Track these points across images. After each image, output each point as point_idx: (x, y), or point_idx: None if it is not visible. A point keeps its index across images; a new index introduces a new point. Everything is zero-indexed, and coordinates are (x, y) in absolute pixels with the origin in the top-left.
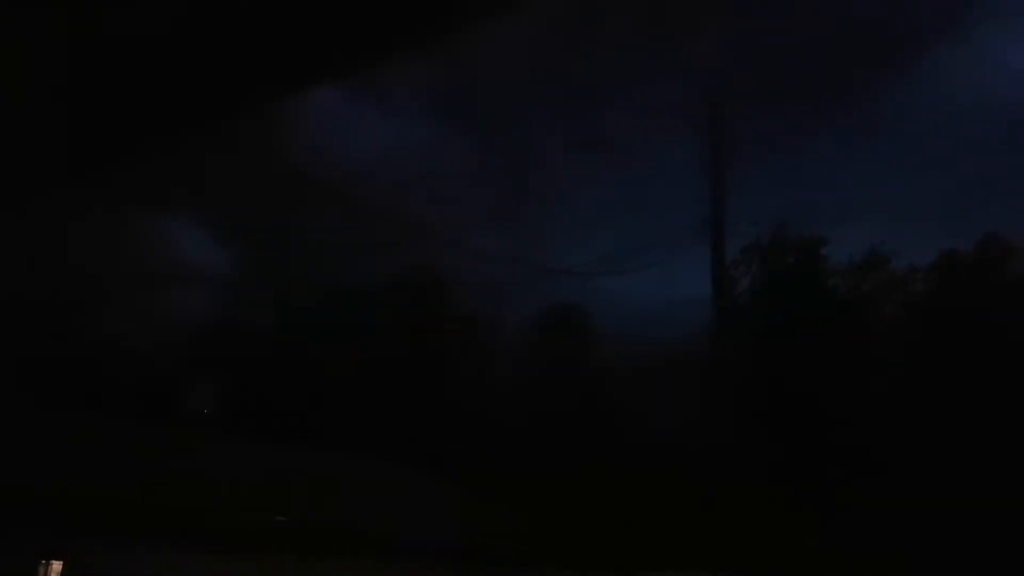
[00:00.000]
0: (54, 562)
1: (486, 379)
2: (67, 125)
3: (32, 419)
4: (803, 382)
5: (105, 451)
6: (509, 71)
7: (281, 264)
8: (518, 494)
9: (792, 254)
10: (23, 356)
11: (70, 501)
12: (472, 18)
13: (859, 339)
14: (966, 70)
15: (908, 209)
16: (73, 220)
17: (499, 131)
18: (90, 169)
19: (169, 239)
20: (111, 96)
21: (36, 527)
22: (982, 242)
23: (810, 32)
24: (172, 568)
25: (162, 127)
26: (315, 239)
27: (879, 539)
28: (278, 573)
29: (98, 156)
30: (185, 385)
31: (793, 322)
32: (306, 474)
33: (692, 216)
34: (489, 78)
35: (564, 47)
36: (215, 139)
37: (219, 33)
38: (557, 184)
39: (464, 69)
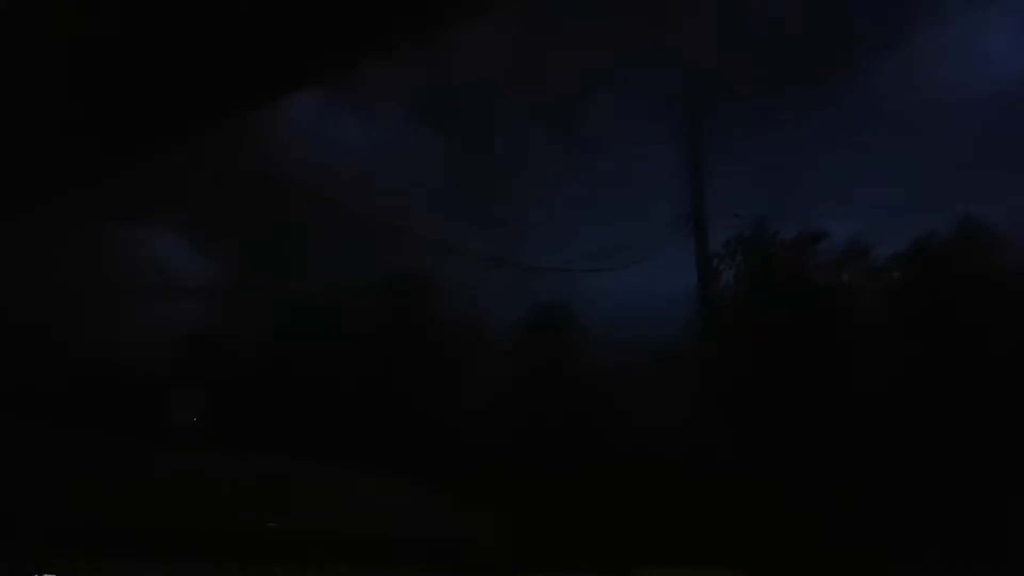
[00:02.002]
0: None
1: (474, 382)
2: (52, 133)
3: (27, 432)
4: (793, 377)
5: (97, 462)
6: (493, 68)
7: (268, 271)
8: (510, 497)
9: (776, 248)
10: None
11: (62, 513)
12: (452, 17)
13: (846, 331)
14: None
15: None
16: (55, 229)
17: (482, 129)
18: (73, 178)
19: (151, 247)
20: (98, 103)
21: (29, 540)
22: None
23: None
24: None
25: (144, 135)
26: (301, 245)
27: (874, 536)
28: None
29: (83, 164)
30: (173, 395)
31: (778, 316)
32: (299, 482)
33: (674, 210)
34: (473, 76)
35: (545, 42)
36: (199, 145)
37: (200, 40)
38: (540, 181)
39: (446, 67)
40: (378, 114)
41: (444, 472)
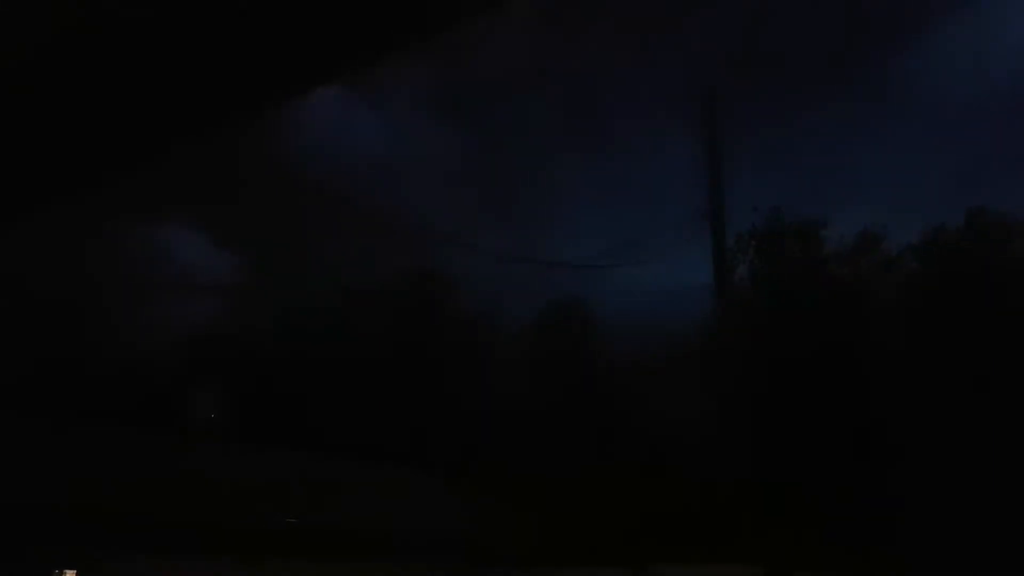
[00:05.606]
0: (67, 571)
1: (490, 377)
2: (66, 133)
3: (47, 432)
4: (810, 373)
5: (115, 461)
6: (506, 63)
7: (284, 268)
8: (527, 492)
9: (788, 240)
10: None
11: (82, 512)
12: (467, 14)
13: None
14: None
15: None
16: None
17: (496, 126)
18: (88, 177)
19: (168, 245)
20: (108, 103)
21: (50, 538)
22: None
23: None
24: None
25: (157, 133)
26: (316, 241)
27: (886, 534)
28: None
29: (96, 163)
30: (189, 392)
31: (792, 310)
32: (313, 477)
33: (689, 206)
34: (486, 72)
35: (559, 36)
36: (212, 144)
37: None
38: (551, 178)
39: (461, 64)
40: (396, 111)
41: (466, 467)
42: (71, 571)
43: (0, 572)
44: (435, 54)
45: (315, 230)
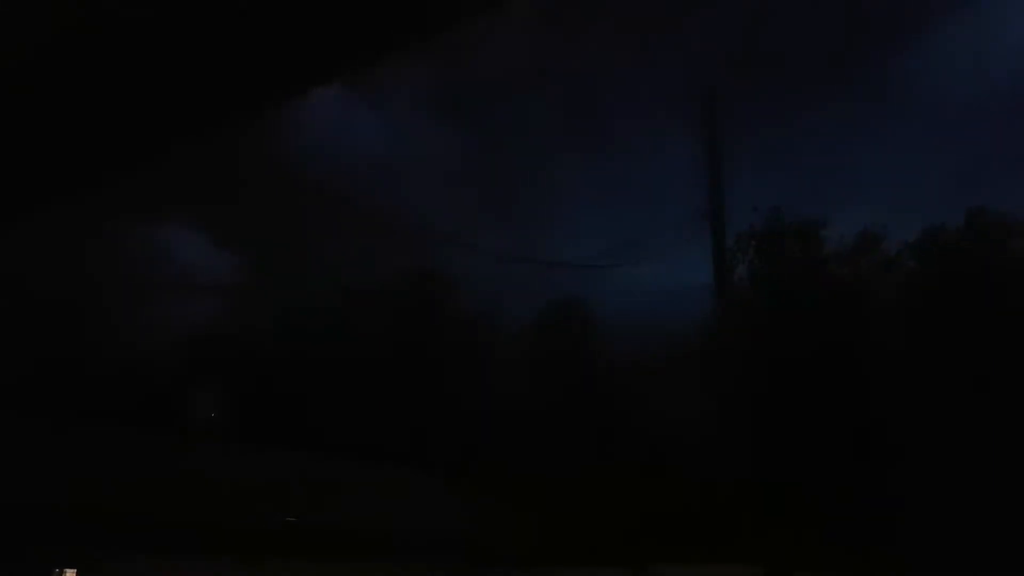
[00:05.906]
0: (67, 571)
1: (489, 377)
2: (66, 133)
3: (47, 432)
4: (810, 373)
5: (115, 461)
6: (505, 63)
7: (284, 268)
8: (527, 492)
9: (788, 240)
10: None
11: (82, 512)
12: (467, 14)
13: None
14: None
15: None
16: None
17: (496, 126)
18: (88, 177)
19: (168, 245)
20: (108, 102)
21: (50, 538)
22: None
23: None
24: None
25: (157, 133)
26: (315, 240)
27: (886, 534)
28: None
29: (96, 163)
30: (189, 392)
31: (792, 310)
32: (313, 477)
33: (689, 206)
34: (486, 72)
35: (559, 36)
36: (212, 143)
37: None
38: (551, 177)
39: (461, 64)
40: (396, 111)
41: (466, 467)
42: (71, 571)
43: (0, 572)
44: (435, 54)
45: (315, 230)
